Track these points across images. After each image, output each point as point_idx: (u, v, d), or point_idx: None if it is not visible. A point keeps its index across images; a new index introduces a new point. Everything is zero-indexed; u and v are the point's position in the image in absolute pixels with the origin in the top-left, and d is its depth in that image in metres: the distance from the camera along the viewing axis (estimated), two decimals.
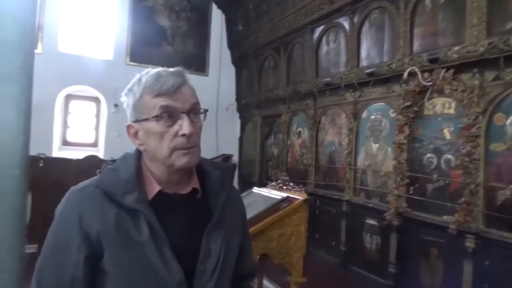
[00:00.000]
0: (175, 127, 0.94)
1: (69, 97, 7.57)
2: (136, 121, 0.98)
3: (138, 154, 1.02)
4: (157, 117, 0.93)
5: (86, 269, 0.90)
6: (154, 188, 0.98)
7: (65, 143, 7.58)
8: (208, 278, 0.96)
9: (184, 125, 0.94)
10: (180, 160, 0.95)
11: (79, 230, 0.90)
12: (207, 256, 0.98)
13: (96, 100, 7.72)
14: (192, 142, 0.96)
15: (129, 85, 1.00)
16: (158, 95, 0.94)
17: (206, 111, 1.02)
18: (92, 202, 0.92)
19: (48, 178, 5.37)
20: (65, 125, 7.61)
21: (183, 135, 0.94)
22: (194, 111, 0.98)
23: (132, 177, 0.96)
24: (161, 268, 0.90)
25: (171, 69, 0.98)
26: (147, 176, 0.99)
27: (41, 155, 5.94)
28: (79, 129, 7.81)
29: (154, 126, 0.94)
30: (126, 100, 1.00)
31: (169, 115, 0.94)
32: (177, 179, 1.00)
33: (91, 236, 0.90)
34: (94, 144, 7.79)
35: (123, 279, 0.90)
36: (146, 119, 0.95)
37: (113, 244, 0.90)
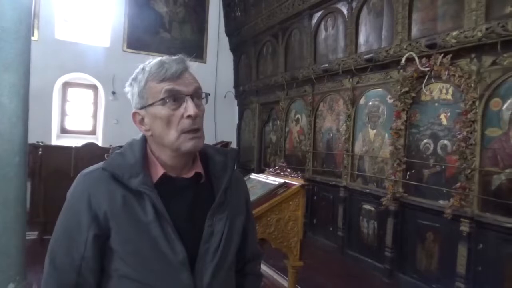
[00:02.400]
0: (181, 110, 0.99)
1: (66, 85, 7.55)
2: (142, 107, 1.02)
3: (144, 140, 1.06)
4: (163, 100, 0.98)
5: (96, 247, 0.96)
6: (158, 172, 1.02)
7: (63, 131, 7.59)
8: (211, 257, 1.01)
9: (189, 107, 0.98)
10: (187, 144, 0.99)
11: (88, 210, 0.95)
12: (210, 236, 1.02)
13: (93, 87, 7.69)
14: (197, 124, 1.00)
15: (133, 75, 1.05)
16: (163, 80, 0.98)
17: (208, 95, 1.07)
18: (100, 184, 0.97)
19: (47, 166, 5.39)
20: (63, 113, 7.60)
21: (189, 116, 0.98)
22: (197, 95, 1.02)
23: (138, 161, 1.00)
24: (165, 247, 0.95)
25: (173, 57, 1.02)
26: (152, 160, 1.04)
27: (40, 143, 5.95)
28: (77, 117, 7.80)
29: (160, 110, 0.98)
30: (131, 90, 1.05)
31: (174, 98, 0.98)
32: (182, 163, 1.05)
33: (100, 216, 0.95)
34: (92, 132, 7.79)
35: (129, 256, 0.95)
36: (152, 104, 0.99)
37: (120, 224, 0.95)
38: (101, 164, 1.02)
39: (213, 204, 1.04)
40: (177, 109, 0.98)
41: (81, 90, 7.76)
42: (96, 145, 6.02)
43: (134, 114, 1.05)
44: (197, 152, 1.07)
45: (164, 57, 1.02)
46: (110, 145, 6.60)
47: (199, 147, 1.03)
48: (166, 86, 0.98)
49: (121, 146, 1.07)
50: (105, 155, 1.01)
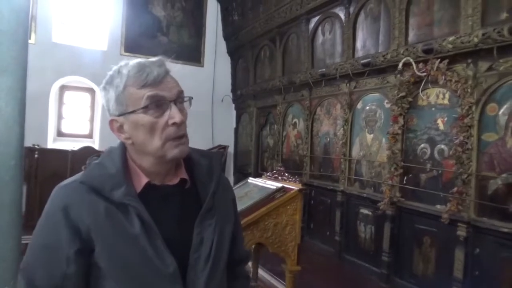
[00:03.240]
0: (165, 117, 0.93)
1: (63, 88, 7.52)
2: (121, 114, 0.95)
3: (123, 147, 1.00)
4: (146, 108, 0.91)
5: (78, 263, 0.89)
6: (142, 181, 0.97)
7: (60, 134, 7.55)
8: (202, 267, 0.96)
9: (174, 114, 0.93)
10: (173, 151, 0.95)
11: (67, 224, 0.89)
12: (200, 245, 0.98)
13: (90, 91, 7.67)
14: (182, 130, 0.96)
15: (107, 78, 0.97)
16: (144, 86, 0.92)
17: (191, 98, 1.01)
18: (79, 197, 0.91)
19: (43, 170, 5.37)
20: (59, 116, 7.57)
21: (174, 123, 0.93)
22: (180, 99, 0.97)
23: (119, 170, 0.94)
24: (154, 260, 0.90)
25: (152, 59, 0.96)
26: (134, 169, 0.98)
27: (36, 146, 5.92)
28: (74, 120, 7.77)
29: (142, 118, 0.92)
30: (105, 95, 0.97)
31: (157, 104, 0.92)
32: (166, 170, 1.00)
33: (81, 230, 0.89)
34: (89, 136, 7.76)
35: (117, 272, 0.90)
36: (133, 112, 0.93)
37: (105, 238, 0.89)
38: (78, 176, 0.96)
39: (201, 211, 1.00)
40: (161, 116, 0.93)
41: (78, 94, 7.73)
42: (93, 148, 6.01)
43: (112, 121, 0.97)
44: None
45: (142, 60, 0.96)
46: (100, 152, 6.59)
47: (185, 153, 0.98)
48: (148, 92, 0.91)
49: (96, 155, 1.01)
50: (82, 166, 0.97)
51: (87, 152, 5.62)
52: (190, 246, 0.97)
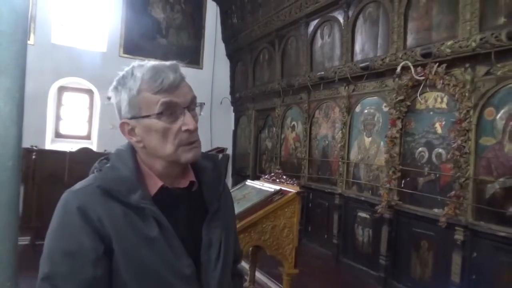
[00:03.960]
0: (178, 123, 0.93)
1: (62, 89, 7.52)
2: (133, 117, 0.94)
3: (133, 149, 1.00)
4: (159, 114, 0.91)
5: (105, 265, 0.87)
6: (156, 184, 0.97)
7: (58, 135, 7.55)
8: (213, 267, 0.98)
9: (187, 121, 0.93)
10: (186, 155, 0.95)
11: (87, 226, 0.87)
12: (209, 246, 0.99)
13: (89, 92, 7.67)
14: (195, 136, 0.96)
15: (119, 79, 0.96)
16: (159, 91, 0.91)
17: (202, 104, 1.02)
18: (96, 201, 0.89)
19: (40, 171, 5.34)
20: (58, 117, 7.57)
21: (187, 130, 0.93)
22: (192, 105, 0.97)
23: (133, 174, 0.94)
24: (173, 262, 0.91)
25: (167, 63, 0.95)
26: (146, 172, 0.98)
27: (34, 147, 5.91)
28: (72, 122, 7.77)
29: (155, 123, 0.92)
30: (117, 95, 0.96)
31: (171, 111, 0.92)
32: (177, 172, 1.00)
33: (100, 231, 0.87)
34: (87, 137, 7.76)
35: (136, 276, 0.89)
36: (146, 116, 0.92)
37: (124, 241, 0.88)
38: (89, 180, 0.95)
39: (208, 212, 1.02)
40: (174, 122, 0.93)
41: (77, 95, 7.74)
42: (91, 150, 6.00)
43: (123, 124, 0.96)
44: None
45: (157, 63, 0.95)
46: (105, 150, 6.57)
47: (198, 157, 0.99)
48: (163, 98, 0.91)
49: (106, 158, 1.00)
50: (92, 169, 0.95)
51: (85, 153, 5.60)
52: (199, 247, 0.98)
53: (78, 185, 0.95)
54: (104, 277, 0.87)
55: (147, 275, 0.89)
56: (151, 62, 0.96)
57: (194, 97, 0.98)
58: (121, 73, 0.96)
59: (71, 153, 5.50)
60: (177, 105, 0.93)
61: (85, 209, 0.88)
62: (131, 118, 0.95)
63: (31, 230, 5.14)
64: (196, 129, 0.95)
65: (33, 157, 5.38)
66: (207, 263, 0.98)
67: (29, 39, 6.18)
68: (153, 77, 0.91)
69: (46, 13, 6.90)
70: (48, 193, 5.34)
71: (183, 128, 0.93)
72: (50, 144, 7.20)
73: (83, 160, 5.50)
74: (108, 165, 0.97)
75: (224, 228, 1.04)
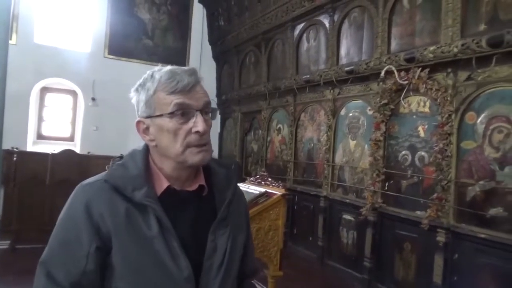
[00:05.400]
0: (189, 124, 0.96)
1: (44, 90, 7.38)
2: (148, 117, 0.99)
3: (146, 150, 1.04)
4: (172, 114, 0.95)
5: (97, 261, 0.91)
6: (162, 184, 1.00)
7: (40, 136, 7.40)
8: (215, 274, 0.98)
9: (198, 123, 0.96)
10: (194, 158, 0.98)
11: (89, 222, 0.91)
12: (213, 252, 1.00)
13: (73, 93, 7.55)
14: (205, 139, 0.99)
15: (140, 81, 1.01)
16: (173, 92, 0.95)
17: (215, 110, 1.05)
18: (102, 195, 0.94)
19: (22, 173, 5.24)
20: (40, 119, 7.42)
21: (197, 132, 0.96)
22: (206, 109, 1.00)
23: (141, 172, 0.97)
24: (170, 263, 0.92)
25: (185, 68, 1.01)
26: (155, 172, 1.01)
27: (15, 149, 5.79)
28: (55, 123, 7.63)
29: (167, 122, 0.96)
30: (137, 96, 1.01)
31: (183, 112, 0.96)
32: (186, 175, 1.02)
33: (101, 229, 0.91)
34: (71, 138, 7.63)
35: (131, 273, 0.91)
36: (159, 115, 0.97)
37: (123, 238, 0.91)
38: (101, 175, 0.99)
39: (216, 218, 1.02)
40: (185, 123, 0.96)
41: (60, 96, 7.60)
42: (74, 151, 5.90)
43: (139, 122, 1.01)
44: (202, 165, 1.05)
45: (175, 67, 1.00)
46: (89, 152, 6.48)
47: (207, 161, 1.01)
48: (176, 99, 0.95)
49: (121, 157, 1.04)
50: (106, 166, 0.99)
51: (68, 155, 5.52)
52: (203, 252, 0.99)
53: (90, 179, 1.00)
54: (95, 271, 0.91)
55: (140, 274, 0.91)
56: (170, 67, 1.01)
57: (209, 102, 1.01)
58: (143, 76, 1.02)
59: (53, 154, 5.40)
60: (189, 106, 0.96)
61: (90, 203, 0.92)
62: (146, 117, 1.00)
63: (11, 233, 5.02)
64: (206, 132, 0.98)
65: (14, 159, 5.27)
66: (209, 268, 0.98)
67: (11, 39, 6.08)
68: (169, 78, 0.96)
69: (29, 12, 6.78)
70: (29, 196, 5.24)
71: (194, 129, 0.96)
72: (32, 145, 7.06)
73: (66, 162, 5.43)
74: (119, 162, 1.01)
75: (232, 236, 1.04)
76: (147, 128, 1.00)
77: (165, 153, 0.99)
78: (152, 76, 0.99)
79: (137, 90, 1.01)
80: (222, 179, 1.09)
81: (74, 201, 0.95)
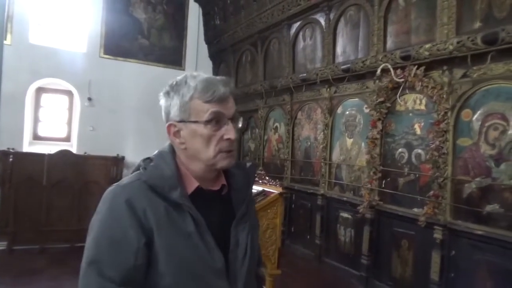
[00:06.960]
0: (221, 131, 1.04)
1: (40, 90, 7.34)
2: (181, 121, 1.04)
3: (173, 152, 1.10)
4: (207, 122, 1.02)
5: (145, 255, 0.96)
6: (193, 184, 1.07)
7: (36, 137, 7.36)
8: (240, 265, 1.08)
9: (229, 130, 1.04)
10: (223, 162, 1.06)
11: (134, 218, 0.96)
12: (236, 246, 1.08)
13: (69, 93, 7.52)
14: (233, 146, 1.08)
15: (172, 85, 1.06)
16: (210, 101, 1.02)
17: (240, 117, 1.12)
18: (143, 194, 0.99)
19: (18, 174, 5.22)
20: (36, 119, 7.39)
21: (228, 139, 1.04)
22: (235, 118, 1.08)
23: (174, 173, 1.04)
24: (206, 256, 1.00)
25: (219, 78, 1.07)
26: (185, 173, 1.08)
27: (11, 150, 5.77)
28: (51, 123, 7.59)
29: (202, 129, 1.03)
30: (169, 100, 1.06)
31: (217, 120, 1.03)
32: (213, 176, 1.11)
33: (144, 224, 0.96)
34: (67, 139, 7.60)
35: (176, 267, 0.97)
36: (194, 122, 1.03)
37: (166, 234, 0.97)
38: (135, 176, 1.04)
39: (237, 215, 1.11)
40: (218, 130, 1.04)
41: (56, 96, 7.56)
42: (70, 152, 5.87)
43: (170, 125, 1.07)
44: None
45: (211, 76, 1.06)
46: (85, 152, 6.46)
47: (232, 164, 1.10)
48: (212, 108, 1.02)
49: (149, 158, 1.08)
50: (139, 167, 1.05)
51: (64, 155, 5.49)
52: (227, 246, 1.07)
53: (125, 180, 1.05)
54: (142, 266, 0.96)
55: (183, 267, 0.98)
56: (204, 75, 1.07)
57: (236, 111, 1.09)
58: (173, 81, 1.07)
59: (49, 155, 5.38)
60: (223, 115, 1.04)
61: (132, 202, 0.97)
62: (179, 121, 1.05)
63: (8, 234, 5.00)
64: (235, 140, 1.07)
65: (10, 159, 5.25)
66: (235, 260, 1.07)
67: (5, 39, 6.04)
68: (206, 88, 1.02)
69: (24, 12, 6.73)
70: (26, 197, 5.22)
71: (225, 136, 1.04)
72: (28, 146, 7.02)
73: (62, 162, 5.41)
74: (152, 164, 1.06)
75: (251, 231, 1.14)
76: (178, 131, 1.06)
77: (196, 156, 1.06)
78: (186, 82, 1.04)
79: (168, 93, 1.07)
80: (240, 179, 1.17)
81: (114, 200, 0.99)
